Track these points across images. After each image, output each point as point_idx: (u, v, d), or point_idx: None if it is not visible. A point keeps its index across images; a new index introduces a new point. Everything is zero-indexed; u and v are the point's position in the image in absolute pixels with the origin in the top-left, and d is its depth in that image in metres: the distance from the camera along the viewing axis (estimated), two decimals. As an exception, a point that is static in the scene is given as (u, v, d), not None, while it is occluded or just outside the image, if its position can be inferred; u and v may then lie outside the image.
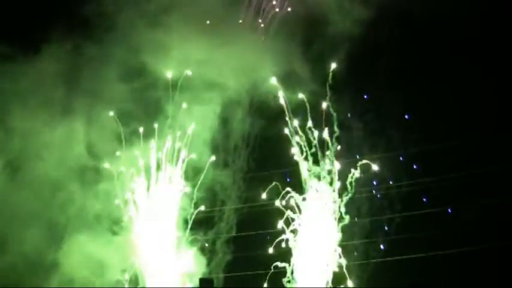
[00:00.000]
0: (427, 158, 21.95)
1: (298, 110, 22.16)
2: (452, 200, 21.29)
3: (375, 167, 21.29)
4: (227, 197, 23.55)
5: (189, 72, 22.97)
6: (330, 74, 21.77)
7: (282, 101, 22.08)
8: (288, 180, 22.11)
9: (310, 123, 21.54)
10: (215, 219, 23.60)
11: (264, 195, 21.87)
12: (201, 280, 22.54)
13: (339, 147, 21.76)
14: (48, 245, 22.60)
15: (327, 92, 21.80)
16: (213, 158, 22.99)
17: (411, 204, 21.96)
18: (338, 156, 21.80)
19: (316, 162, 21.53)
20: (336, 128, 21.87)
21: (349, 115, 22.30)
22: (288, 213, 21.37)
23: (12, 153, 23.30)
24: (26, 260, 22.38)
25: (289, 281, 21.61)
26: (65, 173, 23.23)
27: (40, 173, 23.01)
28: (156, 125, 23.21)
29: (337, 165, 21.39)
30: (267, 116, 22.82)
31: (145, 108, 23.47)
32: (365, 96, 22.82)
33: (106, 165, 23.24)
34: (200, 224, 23.25)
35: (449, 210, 21.57)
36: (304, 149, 21.79)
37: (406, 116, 22.56)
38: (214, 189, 23.25)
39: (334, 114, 21.87)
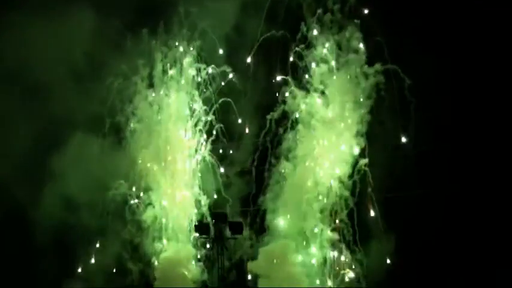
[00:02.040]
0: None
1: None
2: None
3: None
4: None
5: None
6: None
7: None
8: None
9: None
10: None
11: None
12: (214, 214, 20.68)
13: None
14: (41, 155, 20.14)
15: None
16: (226, 68, 21.22)
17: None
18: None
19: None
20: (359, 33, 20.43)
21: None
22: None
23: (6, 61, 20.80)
24: (15, 171, 19.89)
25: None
26: (61, 82, 20.82)
27: (35, 80, 20.55)
28: (162, 26, 21.25)
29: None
30: (286, 19, 20.98)
31: (150, 13, 21.50)
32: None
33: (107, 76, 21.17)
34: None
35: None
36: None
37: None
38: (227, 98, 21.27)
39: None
